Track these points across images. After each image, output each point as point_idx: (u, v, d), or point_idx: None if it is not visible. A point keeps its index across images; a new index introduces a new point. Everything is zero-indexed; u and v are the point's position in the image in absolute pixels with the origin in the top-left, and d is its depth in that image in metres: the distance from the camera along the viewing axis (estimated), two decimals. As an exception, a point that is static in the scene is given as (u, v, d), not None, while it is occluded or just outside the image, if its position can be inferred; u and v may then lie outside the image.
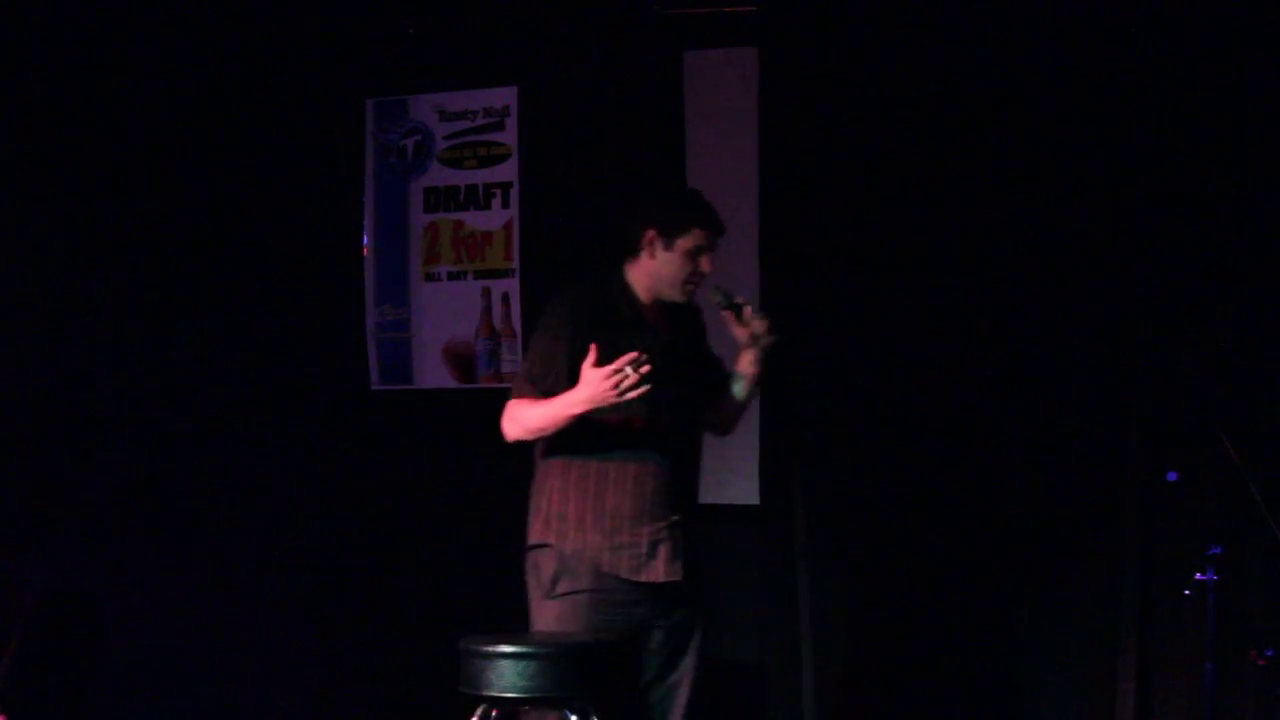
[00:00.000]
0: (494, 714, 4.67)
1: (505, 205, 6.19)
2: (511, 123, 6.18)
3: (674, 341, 4.34)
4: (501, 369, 6.18)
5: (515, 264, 6.17)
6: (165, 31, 5.88)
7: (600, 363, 4.06)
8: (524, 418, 4.26)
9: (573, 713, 4.47)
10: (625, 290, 4.35)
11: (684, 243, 4.29)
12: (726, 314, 4.40)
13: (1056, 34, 5.24)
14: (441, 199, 6.29)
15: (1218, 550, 4.53)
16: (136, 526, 5.75)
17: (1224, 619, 4.56)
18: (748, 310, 4.40)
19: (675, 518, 4.28)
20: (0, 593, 5.28)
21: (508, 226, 6.19)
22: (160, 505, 5.82)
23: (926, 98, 5.42)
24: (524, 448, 6.14)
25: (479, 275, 6.23)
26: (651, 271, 4.34)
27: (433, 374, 6.29)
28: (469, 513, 6.20)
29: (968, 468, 5.38)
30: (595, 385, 4.04)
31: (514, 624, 5.34)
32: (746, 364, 4.46)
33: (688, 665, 4.40)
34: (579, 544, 4.27)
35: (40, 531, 5.49)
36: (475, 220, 6.23)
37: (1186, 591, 4.63)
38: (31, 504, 5.48)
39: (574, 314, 4.28)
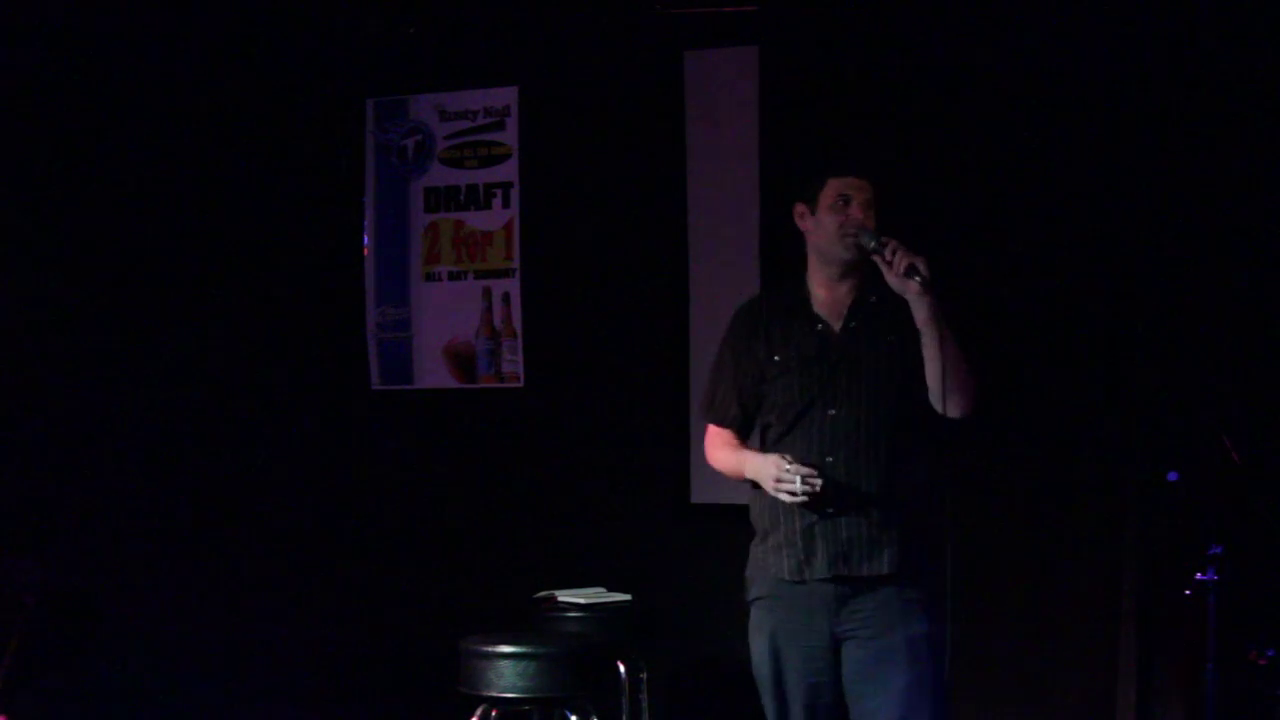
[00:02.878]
0: (494, 714, 4.68)
1: (505, 205, 6.19)
2: (511, 123, 6.18)
3: (856, 331, 3.94)
4: (502, 369, 6.18)
5: (515, 264, 6.17)
6: (165, 31, 5.87)
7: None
8: (712, 457, 4.15)
9: (572, 712, 4.48)
10: (798, 285, 4.04)
11: (825, 199, 3.94)
12: (877, 259, 3.87)
13: (1056, 33, 5.24)
14: (442, 199, 6.29)
15: (1218, 550, 4.53)
16: (136, 526, 5.74)
17: (1224, 619, 4.56)
18: (890, 246, 3.82)
19: (831, 510, 3.85)
20: (0, 593, 5.27)
21: (508, 226, 6.19)
22: (160, 505, 5.82)
23: (926, 97, 5.41)
24: (522, 448, 6.17)
25: (479, 275, 6.23)
26: (816, 247, 4.00)
27: (433, 374, 6.28)
28: (469, 513, 6.20)
29: (968, 467, 5.37)
30: (765, 474, 3.88)
31: (514, 624, 5.35)
32: (915, 313, 3.84)
33: (891, 685, 3.84)
34: (760, 547, 4.06)
35: (40, 531, 5.48)
36: (475, 220, 6.23)
37: (1186, 591, 4.63)
38: (31, 504, 5.48)
39: (731, 334, 4.08)
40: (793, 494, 3.80)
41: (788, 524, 3.92)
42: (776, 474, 3.83)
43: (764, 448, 4.01)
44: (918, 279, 3.75)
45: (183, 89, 5.95)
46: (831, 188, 3.94)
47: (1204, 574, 4.53)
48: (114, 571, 5.68)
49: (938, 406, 3.83)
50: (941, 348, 3.79)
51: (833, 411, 3.88)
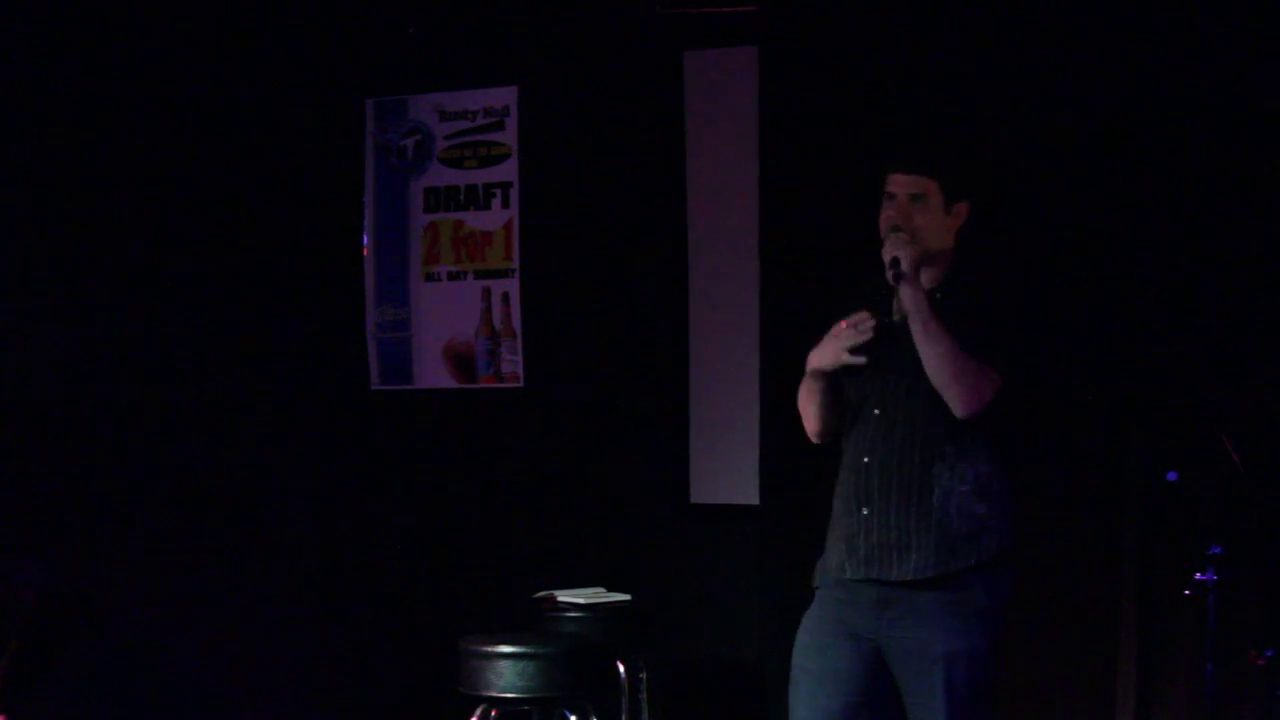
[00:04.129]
0: (494, 714, 4.68)
1: (505, 205, 6.19)
2: (511, 123, 6.18)
3: (907, 328, 3.75)
4: (501, 369, 6.19)
5: (515, 264, 6.17)
6: (165, 31, 5.87)
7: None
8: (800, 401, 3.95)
9: (572, 712, 4.48)
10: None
11: (886, 190, 3.85)
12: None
13: (1056, 32, 5.24)
14: (441, 199, 6.29)
15: (1218, 550, 4.52)
16: (136, 526, 5.74)
17: (1224, 619, 4.55)
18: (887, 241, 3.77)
19: (865, 511, 3.73)
20: (0, 593, 5.27)
21: (508, 226, 6.19)
22: (160, 505, 5.81)
23: (926, 97, 5.41)
24: (522, 448, 6.17)
25: (479, 275, 6.23)
26: None
27: (433, 374, 6.29)
28: (469, 512, 6.20)
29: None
30: (824, 349, 3.80)
31: (514, 624, 5.36)
32: (904, 305, 3.73)
33: (931, 699, 3.67)
34: (828, 538, 3.91)
35: (40, 531, 5.48)
36: (475, 220, 6.24)
37: (1186, 591, 4.63)
38: (31, 504, 5.48)
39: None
40: (848, 350, 3.72)
41: (842, 519, 3.80)
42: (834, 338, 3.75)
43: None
44: (893, 270, 3.69)
45: (182, 89, 5.95)
46: (887, 182, 3.85)
47: (1204, 574, 4.53)
48: (114, 571, 5.68)
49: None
50: (927, 342, 3.66)
51: (878, 411, 3.78)
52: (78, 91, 5.65)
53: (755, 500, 5.72)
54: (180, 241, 5.96)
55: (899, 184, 3.81)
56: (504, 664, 4.67)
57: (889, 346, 3.76)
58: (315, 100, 6.28)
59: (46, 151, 5.60)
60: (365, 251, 6.36)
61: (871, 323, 3.74)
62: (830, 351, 3.81)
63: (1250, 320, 5.02)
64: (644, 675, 5.41)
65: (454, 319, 6.25)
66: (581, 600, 5.34)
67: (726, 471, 5.82)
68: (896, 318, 3.78)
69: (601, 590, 5.48)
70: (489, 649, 4.74)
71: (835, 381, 3.86)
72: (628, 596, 5.43)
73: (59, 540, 5.52)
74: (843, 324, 3.78)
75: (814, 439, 3.97)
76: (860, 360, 3.76)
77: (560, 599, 5.34)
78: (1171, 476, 4.75)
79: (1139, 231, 5.18)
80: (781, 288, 5.60)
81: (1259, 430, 4.86)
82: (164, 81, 5.89)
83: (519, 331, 6.16)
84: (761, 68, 5.72)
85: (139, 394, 5.80)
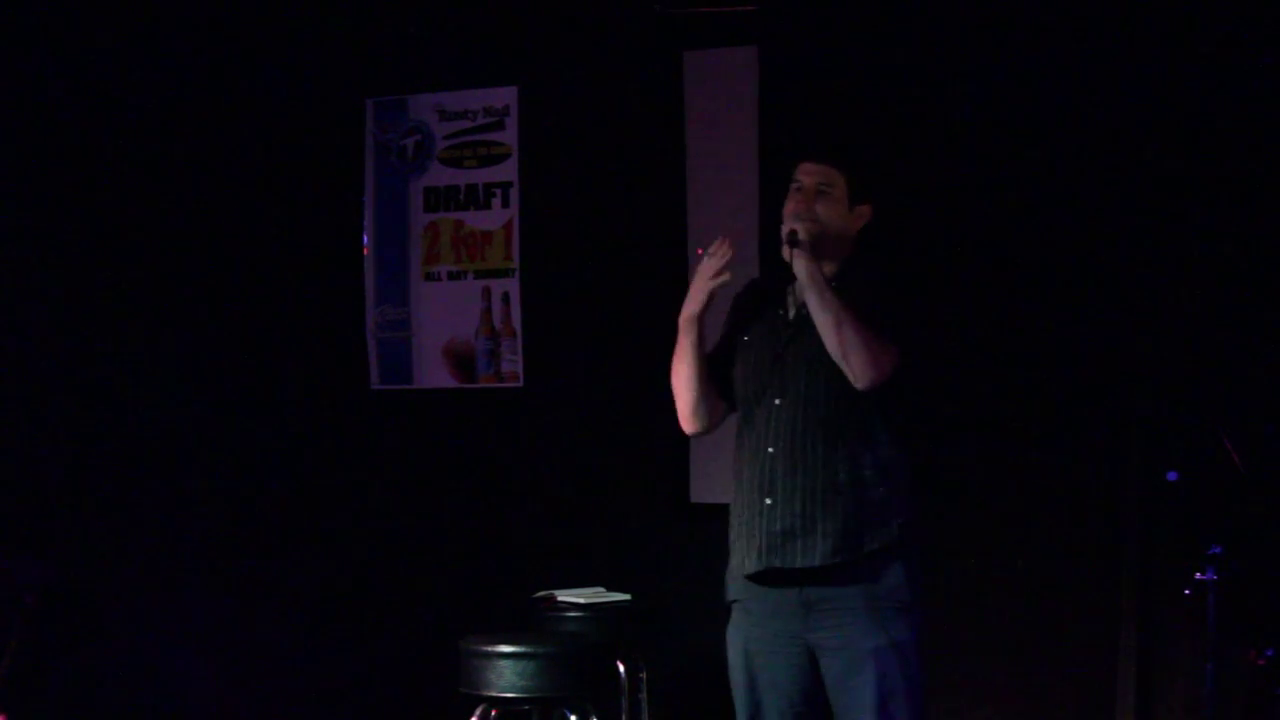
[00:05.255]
0: (494, 714, 4.68)
1: (505, 205, 6.19)
2: (511, 123, 6.18)
3: (807, 316, 3.72)
4: (501, 369, 6.19)
5: (515, 264, 6.17)
6: (165, 31, 5.88)
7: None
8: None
9: (572, 712, 4.47)
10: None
11: (794, 178, 3.86)
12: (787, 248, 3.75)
13: (1057, 33, 5.24)
14: (441, 199, 6.29)
15: (1218, 550, 4.53)
16: (136, 526, 5.74)
17: (1224, 619, 4.56)
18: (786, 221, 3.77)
19: (769, 501, 3.70)
20: (0, 593, 5.27)
21: (508, 226, 6.19)
22: (160, 505, 5.82)
23: (926, 97, 5.41)
24: (522, 448, 6.17)
25: (479, 275, 6.23)
26: None
27: (433, 374, 6.28)
28: (469, 512, 6.20)
29: (968, 467, 5.38)
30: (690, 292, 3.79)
31: (514, 624, 5.36)
32: (797, 277, 3.71)
33: (862, 697, 3.65)
34: (731, 543, 3.84)
35: (40, 531, 5.49)
36: (475, 220, 6.23)
37: (1186, 591, 4.63)
38: (31, 504, 5.48)
39: (735, 296, 3.95)
40: (710, 274, 3.73)
41: (743, 512, 3.76)
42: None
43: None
44: (789, 242, 3.66)
45: (182, 89, 5.96)
46: (797, 170, 3.85)
47: (1204, 574, 4.53)
48: (114, 571, 5.68)
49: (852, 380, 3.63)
50: (823, 310, 3.61)
51: (778, 401, 3.73)
52: (78, 91, 5.65)
53: (755, 500, 5.70)
54: (181, 241, 5.96)
55: (808, 172, 3.82)
56: (504, 664, 4.66)
57: (789, 339, 3.75)
58: (315, 100, 6.28)
59: (47, 151, 5.61)
60: (365, 251, 6.36)
61: (727, 243, 3.72)
62: (693, 291, 3.78)
63: (1250, 320, 5.02)
64: (644, 675, 5.41)
65: (454, 319, 6.25)
66: (581, 600, 5.33)
67: (726, 471, 5.79)
68: (795, 312, 3.77)
69: (601, 590, 5.47)
70: (489, 649, 4.73)
71: (715, 363, 3.85)
72: (628, 596, 5.43)
73: (59, 540, 5.53)
74: (699, 251, 3.76)
75: (687, 426, 3.91)
76: (726, 277, 3.73)
77: (560, 599, 5.34)
78: (1171, 476, 4.75)
79: (1139, 231, 5.18)
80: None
81: (1259, 430, 4.86)
82: (164, 81, 5.89)
83: (519, 331, 6.15)
84: (761, 68, 5.72)
85: (139, 394, 5.80)
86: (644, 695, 5.41)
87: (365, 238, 6.36)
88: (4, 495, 5.42)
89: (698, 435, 3.98)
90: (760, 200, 5.71)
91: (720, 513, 5.80)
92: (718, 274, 3.75)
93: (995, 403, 5.37)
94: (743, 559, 3.74)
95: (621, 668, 5.25)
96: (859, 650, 3.64)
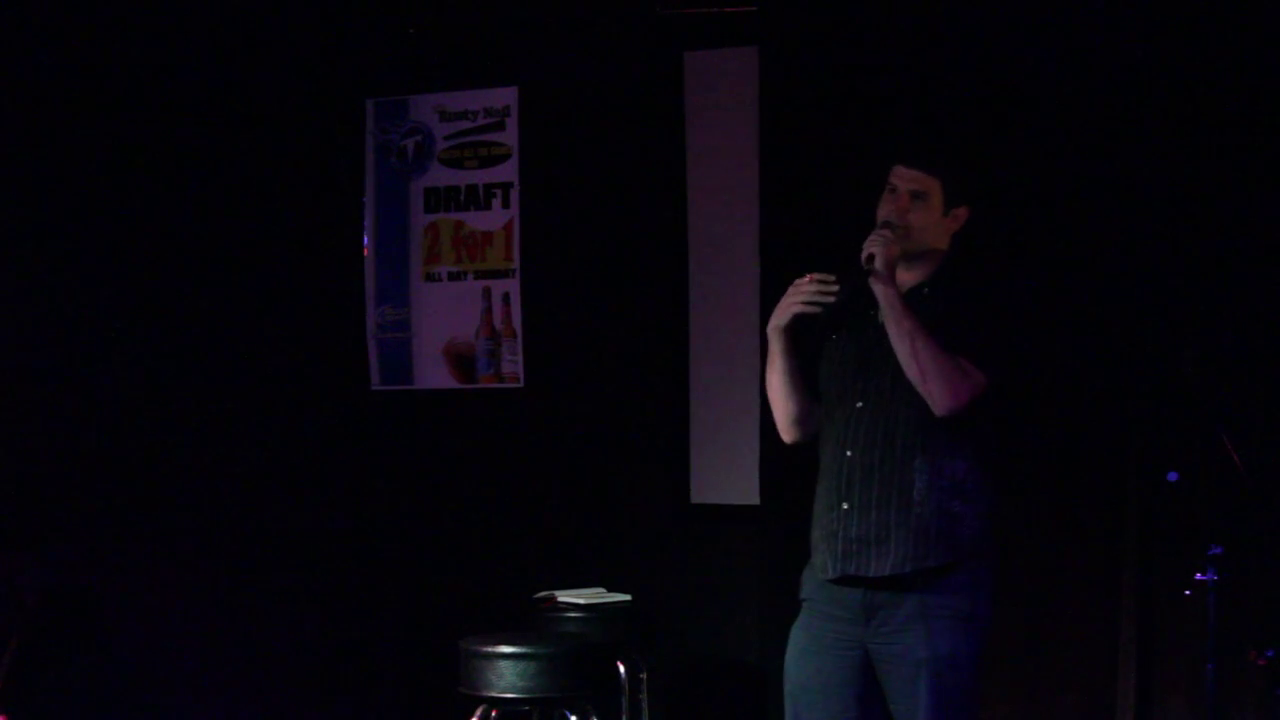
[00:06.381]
0: (494, 714, 4.68)
1: (505, 205, 6.19)
2: (511, 123, 6.18)
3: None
4: (502, 369, 6.19)
5: (515, 264, 6.17)
6: (165, 31, 5.87)
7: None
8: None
9: (572, 713, 4.48)
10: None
11: (889, 181, 3.80)
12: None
13: (1058, 33, 5.23)
14: (442, 199, 6.29)
15: (1218, 550, 4.52)
16: (136, 526, 5.74)
17: (1224, 619, 4.55)
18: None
19: (845, 506, 3.67)
20: (0, 593, 5.27)
21: (508, 226, 6.19)
22: (160, 505, 5.81)
23: (927, 97, 5.41)
24: (522, 448, 6.17)
25: (479, 275, 6.23)
26: None
27: (433, 374, 6.29)
28: (469, 512, 6.20)
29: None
30: (780, 307, 3.74)
31: (514, 624, 5.36)
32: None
33: (916, 707, 3.61)
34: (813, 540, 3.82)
35: (40, 531, 5.48)
36: (475, 220, 6.24)
37: (1186, 591, 4.62)
38: (31, 504, 5.48)
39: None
40: (805, 304, 3.68)
41: (824, 516, 3.74)
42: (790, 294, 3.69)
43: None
44: (868, 268, 3.62)
45: (182, 88, 5.95)
46: (892, 174, 3.78)
47: (1204, 574, 4.52)
48: (114, 571, 5.68)
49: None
50: (900, 340, 3.59)
51: (860, 404, 3.69)
52: (78, 91, 5.65)
53: (755, 500, 5.71)
54: (181, 241, 5.96)
55: (902, 177, 3.76)
56: (504, 664, 4.67)
57: (875, 341, 3.71)
58: (316, 100, 6.28)
59: (47, 151, 5.60)
60: (365, 251, 6.36)
61: (835, 286, 3.67)
62: (785, 305, 3.75)
63: (1250, 320, 5.02)
64: (644, 675, 5.41)
65: (454, 319, 6.25)
66: (581, 600, 5.34)
67: (726, 471, 5.82)
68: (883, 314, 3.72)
69: (601, 590, 5.48)
70: (489, 649, 4.74)
71: (802, 364, 3.80)
72: (628, 596, 5.43)
73: (59, 540, 5.52)
74: (808, 277, 3.71)
75: (786, 436, 3.89)
76: (815, 310, 3.69)
77: (560, 599, 5.34)
78: (1171, 476, 4.74)
79: (1139, 232, 5.18)
80: (781, 287, 5.58)
81: (1259, 430, 4.86)
82: (165, 81, 5.89)
83: (519, 331, 6.16)
84: (761, 68, 5.72)
85: (139, 394, 5.80)
86: (644, 695, 5.41)
87: (365, 238, 6.36)
88: (4, 495, 5.41)
89: (797, 444, 3.91)
90: (760, 200, 5.72)
91: (720, 513, 5.87)
92: (811, 303, 3.70)
93: (995, 402, 5.35)
94: (824, 562, 3.71)
95: (621, 668, 5.25)
96: (914, 660, 3.61)
